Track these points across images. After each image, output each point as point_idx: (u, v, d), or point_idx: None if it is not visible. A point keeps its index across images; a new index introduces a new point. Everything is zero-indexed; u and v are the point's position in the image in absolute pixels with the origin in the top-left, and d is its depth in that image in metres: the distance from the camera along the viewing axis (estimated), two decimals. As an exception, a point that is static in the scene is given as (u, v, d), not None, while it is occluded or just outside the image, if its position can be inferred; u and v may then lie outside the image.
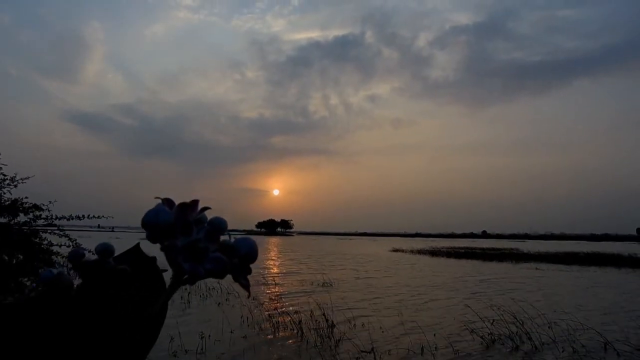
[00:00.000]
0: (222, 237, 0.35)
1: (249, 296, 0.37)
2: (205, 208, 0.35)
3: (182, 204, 0.34)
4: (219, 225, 0.35)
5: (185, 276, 0.33)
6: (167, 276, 0.39)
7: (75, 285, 0.40)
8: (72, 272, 0.43)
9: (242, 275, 0.35)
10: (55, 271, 0.38)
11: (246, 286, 0.35)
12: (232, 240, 0.35)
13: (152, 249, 0.38)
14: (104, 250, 0.39)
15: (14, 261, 6.47)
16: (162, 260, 0.42)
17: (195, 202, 0.34)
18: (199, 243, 0.33)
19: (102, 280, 0.37)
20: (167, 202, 0.34)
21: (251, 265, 0.36)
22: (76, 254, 0.39)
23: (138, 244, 0.41)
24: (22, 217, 7.82)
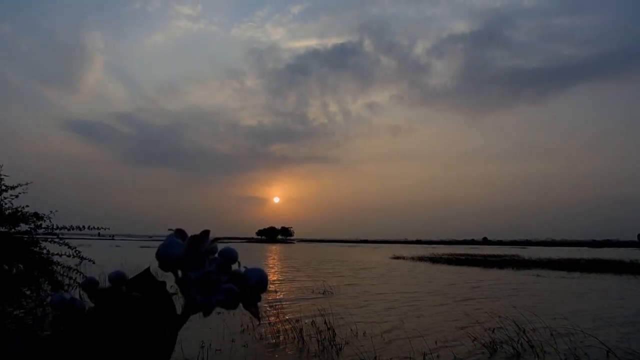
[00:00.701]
0: (233, 267, 0.36)
1: (259, 324, 0.38)
2: (217, 239, 0.37)
3: (194, 237, 0.35)
4: (230, 255, 0.36)
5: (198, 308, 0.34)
6: (176, 298, 0.40)
7: (85, 310, 0.40)
8: (79, 292, 0.44)
9: (252, 303, 0.36)
10: (67, 296, 0.39)
11: (256, 314, 0.36)
12: (243, 269, 0.36)
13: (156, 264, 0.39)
14: (118, 278, 0.40)
15: (14, 270, 6.45)
16: (171, 283, 0.43)
17: (206, 233, 0.35)
18: (211, 275, 0.34)
19: (115, 306, 0.38)
20: (179, 232, 0.35)
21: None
22: (90, 282, 0.40)
23: (148, 268, 0.41)
24: (22, 226, 7.82)
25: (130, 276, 0.42)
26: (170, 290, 0.43)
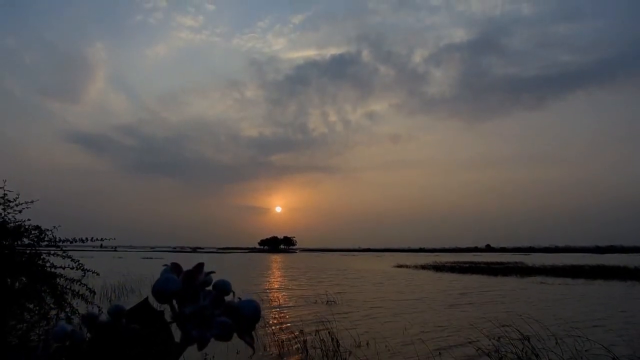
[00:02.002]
0: (228, 297, 0.37)
1: (252, 353, 0.39)
2: (210, 272, 0.38)
3: (189, 272, 0.37)
4: (223, 288, 0.37)
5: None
6: (174, 326, 0.41)
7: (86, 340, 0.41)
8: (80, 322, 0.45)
9: (246, 333, 0.37)
10: (69, 327, 0.40)
11: (250, 344, 0.37)
12: (237, 299, 0.37)
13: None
14: (117, 312, 0.41)
15: (17, 284, 6.46)
16: (169, 311, 0.44)
17: (200, 266, 0.37)
18: (205, 310, 0.35)
19: (115, 339, 0.39)
20: (174, 266, 0.36)
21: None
22: (90, 317, 0.41)
23: (146, 298, 0.43)
24: (25, 239, 7.84)
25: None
26: (169, 318, 0.44)
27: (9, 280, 6.26)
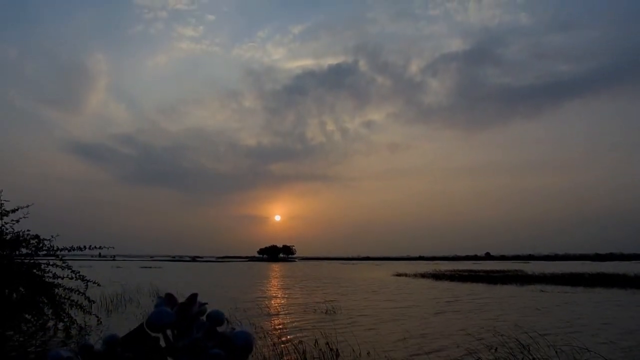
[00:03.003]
0: (222, 327, 0.39)
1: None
2: (204, 304, 0.40)
3: (183, 304, 0.37)
4: (217, 319, 0.39)
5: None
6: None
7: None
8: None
9: (239, 362, 0.38)
10: (65, 354, 0.41)
11: None
12: (230, 329, 0.38)
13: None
14: (112, 341, 0.42)
15: (14, 295, 6.45)
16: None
17: (194, 297, 0.38)
18: (198, 342, 0.36)
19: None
20: (169, 298, 0.38)
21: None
22: (85, 347, 0.42)
23: (142, 324, 0.44)
24: (23, 249, 7.83)
25: (126, 323, 0.44)
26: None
27: (6, 291, 6.24)
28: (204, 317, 0.39)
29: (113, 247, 9.90)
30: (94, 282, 9.21)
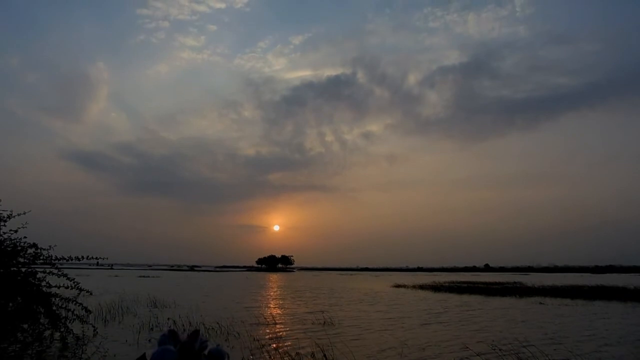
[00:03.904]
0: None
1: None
2: (205, 340, 0.40)
3: (185, 342, 0.38)
4: (218, 356, 0.39)
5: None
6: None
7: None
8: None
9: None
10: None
11: None
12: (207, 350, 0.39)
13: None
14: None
15: (10, 305, 6.41)
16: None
17: (196, 334, 0.39)
18: None
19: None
20: (172, 335, 0.38)
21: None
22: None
23: (144, 354, 0.44)
24: (20, 259, 7.81)
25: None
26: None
27: (3, 300, 6.21)
28: (205, 353, 0.40)
29: (107, 258, 9.87)
30: (87, 291, 9.16)
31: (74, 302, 8.81)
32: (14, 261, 7.07)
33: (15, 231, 7.26)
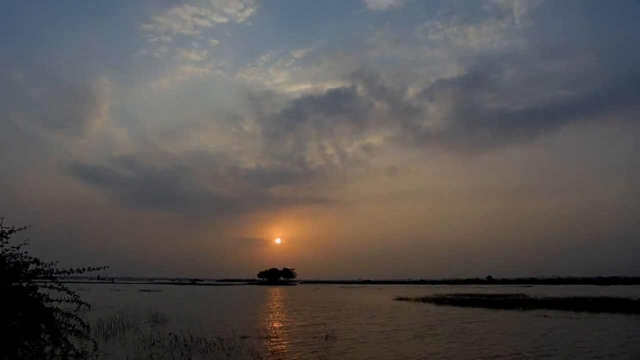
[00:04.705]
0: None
1: None
2: None
3: None
4: None
5: None
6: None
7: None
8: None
9: None
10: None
11: None
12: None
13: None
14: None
15: (12, 321, 6.38)
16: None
17: None
18: None
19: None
20: None
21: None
22: None
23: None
24: (21, 274, 7.80)
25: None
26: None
27: (6, 318, 6.19)
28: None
29: (107, 267, 9.84)
30: (86, 304, 9.13)
31: (75, 318, 8.77)
32: (16, 277, 7.06)
33: (17, 248, 7.28)
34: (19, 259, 7.27)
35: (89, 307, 9.50)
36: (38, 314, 7.15)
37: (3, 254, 7.21)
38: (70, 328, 8.79)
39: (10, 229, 7.51)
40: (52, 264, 7.56)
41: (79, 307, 8.97)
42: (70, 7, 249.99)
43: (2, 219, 7.34)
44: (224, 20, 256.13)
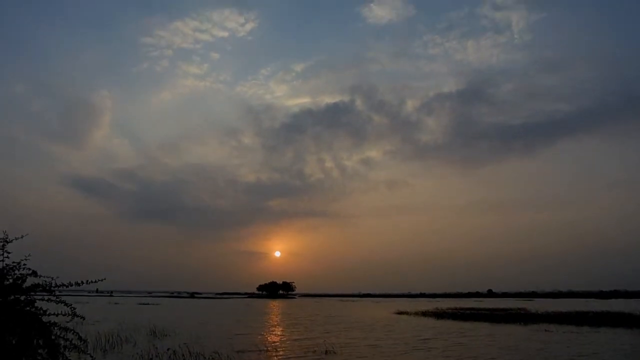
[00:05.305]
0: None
1: None
2: None
3: None
4: None
5: None
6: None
7: None
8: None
9: None
10: None
11: None
12: None
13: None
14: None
15: (12, 338, 6.34)
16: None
17: None
18: None
19: None
20: None
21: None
22: None
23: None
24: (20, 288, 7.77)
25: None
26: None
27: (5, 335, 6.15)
28: None
29: (104, 279, 9.80)
30: (80, 317, 9.07)
31: (72, 332, 8.70)
32: (15, 291, 7.04)
33: (18, 264, 7.29)
34: (17, 272, 7.26)
35: (84, 319, 9.44)
36: (36, 329, 7.11)
37: (4, 268, 7.21)
38: (68, 343, 8.73)
39: (5, 239, 7.48)
40: (52, 278, 7.54)
41: (72, 319, 8.91)
42: (72, 20, 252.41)
43: (5, 232, 7.35)
44: (224, 34, 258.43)
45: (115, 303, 65.99)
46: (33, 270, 8.20)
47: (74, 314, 8.72)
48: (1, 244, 7.34)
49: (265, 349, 13.57)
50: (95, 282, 9.24)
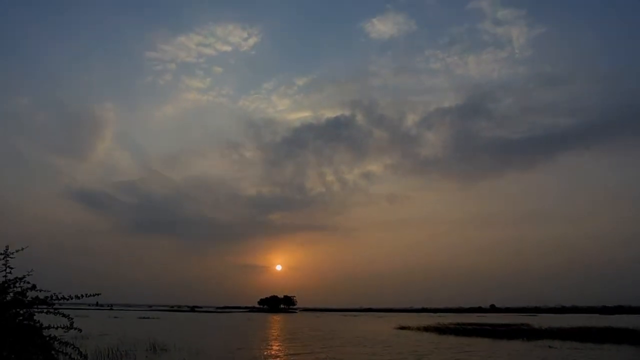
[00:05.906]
0: None
1: None
2: None
3: None
4: None
5: None
6: None
7: None
8: None
9: None
10: None
11: None
12: None
13: None
14: None
15: (12, 355, 6.31)
16: None
17: None
18: None
19: None
20: None
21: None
22: None
23: None
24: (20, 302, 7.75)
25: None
26: None
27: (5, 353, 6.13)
28: None
29: (99, 294, 9.79)
30: (77, 329, 9.03)
31: (72, 346, 8.65)
32: (16, 306, 7.02)
33: (21, 278, 7.31)
34: (18, 287, 7.25)
35: (80, 331, 9.39)
36: (37, 344, 7.08)
37: (5, 283, 7.22)
38: (68, 357, 8.68)
39: (6, 252, 7.47)
40: (54, 294, 7.54)
41: (67, 331, 8.85)
42: (76, 34, 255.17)
43: (7, 247, 7.37)
44: (228, 48, 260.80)
45: (115, 317, 65.60)
46: (33, 284, 8.20)
47: (72, 326, 8.68)
48: (3, 257, 7.36)
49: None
50: (94, 295, 9.22)
